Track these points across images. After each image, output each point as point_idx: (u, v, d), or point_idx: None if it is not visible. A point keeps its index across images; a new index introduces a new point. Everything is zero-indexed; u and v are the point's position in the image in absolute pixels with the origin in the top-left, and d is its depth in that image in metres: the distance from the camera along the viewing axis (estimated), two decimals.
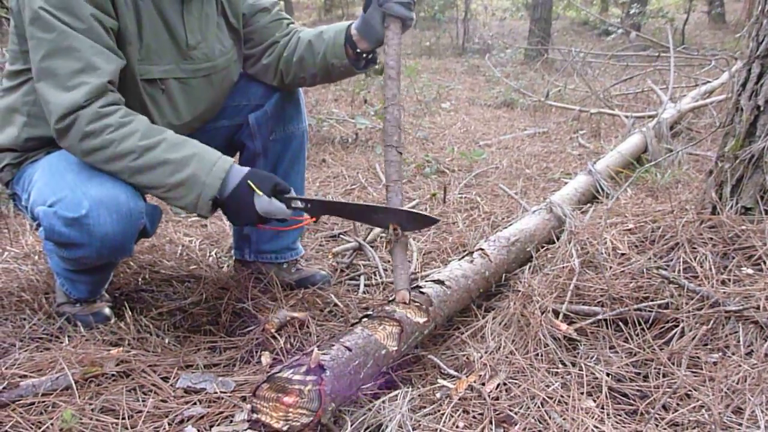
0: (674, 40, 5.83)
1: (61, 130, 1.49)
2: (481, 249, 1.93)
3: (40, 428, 1.31)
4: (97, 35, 1.50)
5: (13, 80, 1.67)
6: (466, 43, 12.23)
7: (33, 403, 1.39)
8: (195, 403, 1.43)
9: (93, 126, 1.47)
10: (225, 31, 1.84)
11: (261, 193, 1.56)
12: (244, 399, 1.44)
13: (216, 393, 1.46)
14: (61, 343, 1.69)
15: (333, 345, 1.33)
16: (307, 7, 20.46)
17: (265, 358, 1.66)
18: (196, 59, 1.75)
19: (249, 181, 1.57)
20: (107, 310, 1.85)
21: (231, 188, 1.57)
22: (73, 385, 1.43)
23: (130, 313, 1.81)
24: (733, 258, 1.80)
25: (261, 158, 2.02)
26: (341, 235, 2.61)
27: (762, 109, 1.93)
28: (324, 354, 1.27)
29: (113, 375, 1.52)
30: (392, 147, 1.71)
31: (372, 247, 2.42)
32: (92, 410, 1.37)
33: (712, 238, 1.88)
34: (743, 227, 1.88)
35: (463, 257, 1.90)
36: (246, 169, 1.61)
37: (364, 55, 1.86)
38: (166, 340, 1.76)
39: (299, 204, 1.63)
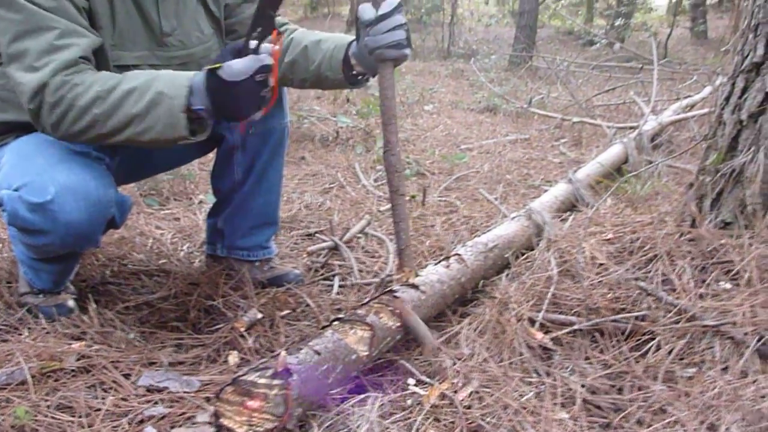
0: (658, 54, 5.87)
1: (33, 111, 1.43)
2: (458, 254, 1.90)
3: None
4: (69, 14, 1.44)
5: None
6: (451, 46, 12.25)
7: None
8: (156, 403, 1.38)
9: (57, 95, 1.39)
10: (204, 18, 1.78)
11: (220, 65, 1.41)
12: (208, 400, 1.38)
13: (179, 392, 1.40)
14: (20, 335, 1.63)
15: (301, 348, 1.28)
16: (293, 3, 20.36)
17: (233, 358, 1.61)
18: (171, 46, 1.69)
19: (208, 70, 1.43)
20: (71, 303, 1.79)
21: (199, 87, 1.43)
22: (29, 379, 1.37)
23: (94, 305, 1.75)
24: (711, 272, 1.79)
25: (239, 151, 1.97)
26: (317, 234, 2.56)
27: (745, 123, 1.92)
28: (291, 357, 1.23)
29: (72, 370, 1.47)
30: (396, 193, 1.69)
31: (348, 247, 2.38)
32: (48, 407, 1.32)
33: (690, 251, 1.87)
34: (722, 241, 1.87)
35: (439, 262, 1.87)
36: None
37: (359, 77, 1.79)
38: (131, 336, 1.70)
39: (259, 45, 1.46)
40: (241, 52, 1.45)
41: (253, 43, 1.45)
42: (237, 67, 1.40)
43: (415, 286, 1.67)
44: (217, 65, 1.41)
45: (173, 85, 1.43)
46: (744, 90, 1.94)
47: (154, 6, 1.63)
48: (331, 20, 13.55)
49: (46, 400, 1.33)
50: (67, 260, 1.74)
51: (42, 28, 1.40)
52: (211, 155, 2.09)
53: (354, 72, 1.75)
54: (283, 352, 1.23)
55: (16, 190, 1.46)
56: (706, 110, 4.77)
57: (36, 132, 1.57)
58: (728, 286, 1.73)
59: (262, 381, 1.19)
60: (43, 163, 1.50)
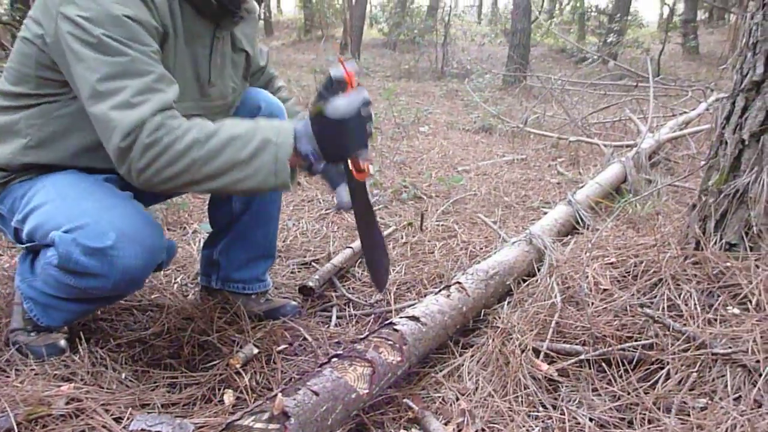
0: (652, 70, 5.87)
1: (123, 150, 1.37)
2: (459, 282, 1.86)
3: None
4: (160, 62, 1.44)
5: (11, 101, 1.58)
6: (445, 67, 12.30)
7: None
8: None
9: (155, 135, 1.35)
10: (237, 67, 1.82)
11: (324, 107, 1.39)
12: None
13: None
14: (8, 377, 1.57)
15: (299, 389, 1.23)
16: (287, 27, 20.49)
17: (228, 397, 1.56)
18: (212, 97, 1.72)
19: (310, 112, 1.42)
20: (63, 342, 1.73)
21: (305, 131, 1.42)
22: (15, 427, 1.30)
23: (85, 344, 1.70)
24: (719, 296, 1.74)
25: None
26: (313, 263, 2.51)
27: (747, 143, 1.89)
28: (288, 399, 1.18)
29: (62, 415, 1.40)
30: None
31: (344, 275, 2.33)
32: None
33: (696, 275, 1.83)
34: (728, 264, 1.82)
35: (439, 291, 1.82)
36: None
37: None
38: (123, 375, 1.64)
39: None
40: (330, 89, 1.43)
41: (334, 70, 1.44)
42: (342, 105, 1.38)
43: (415, 318, 1.62)
44: (318, 107, 1.39)
45: (279, 131, 1.41)
46: (744, 109, 1.91)
47: (207, 61, 1.67)
48: (324, 42, 13.61)
49: None
50: (98, 302, 1.71)
51: (140, 71, 1.38)
52: None
53: None
54: (280, 395, 1.18)
55: (67, 232, 1.44)
56: (703, 127, 4.76)
57: (62, 171, 1.58)
58: (737, 311, 1.68)
59: (258, 426, 1.14)
60: (94, 206, 1.48)
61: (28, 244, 1.59)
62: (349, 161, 1.47)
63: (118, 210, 1.49)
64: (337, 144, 1.42)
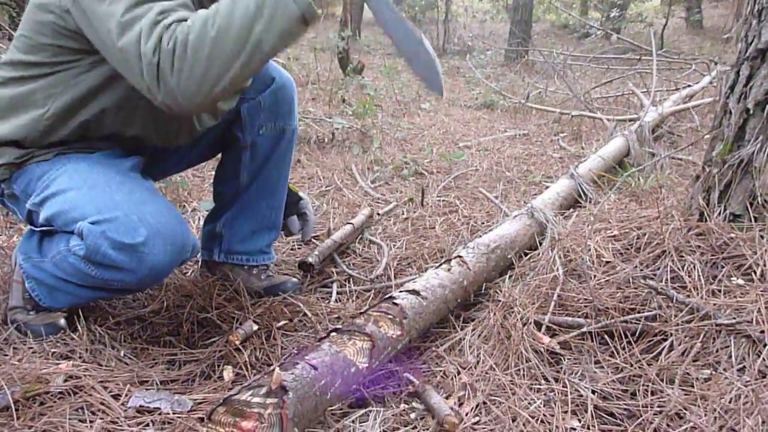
0: (655, 44, 5.80)
1: (152, 68, 1.31)
2: (459, 256, 1.83)
3: None
4: None
5: (23, 71, 1.55)
6: (446, 44, 12.19)
7: None
8: (147, 425, 1.31)
9: (170, 40, 1.30)
10: None
11: None
12: (201, 420, 1.31)
13: (170, 414, 1.34)
14: (6, 356, 1.56)
15: (297, 363, 1.22)
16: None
17: (227, 373, 1.55)
18: None
19: None
20: (62, 321, 1.71)
21: None
22: (12, 405, 1.29)
23: (84, 322, 1.68)
24: (723, 267, 1.72)
25: (248, 151, 1.97)
26: (313, 239, 2.49)
27: (752, 112, 1.85)
28: (287, 374, 1.16)
29: (59, 393, 1.39)
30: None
31: (345, 251, 2.31)
32: None
33: (699, 246, 1.80)
34: (732, 235, 1.80)
35: (440, 265, 1.80)
36: None
37: None
38: (122, 353, 1.63)
39: None
40: None
41: None
42: None
43: (416, 292, 1.61)
44: None
45: None
46: (749, 78, 1.87)
47: None
48: (324, 20, 13.48)
49: (31, 426, 1.26)
50: (114, 293, 1.71)
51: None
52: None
53: None
54: (278, 369, 1.16)
55: (95, 223, 1.42)
56: (706, 100, 4.71)
57: (82, 155, 1.58)
58: (741, 282, 1.66)
59: (256, 400, 1.12)
60: (125, 199, 1.47)
61: (44, 228, 1.57)
62: None
63: (149, 206, 1.48)
64: None
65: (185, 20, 1.34)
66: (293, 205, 2.12)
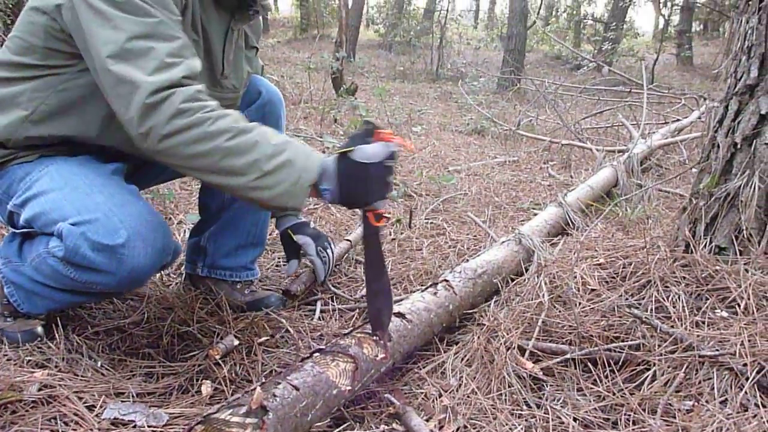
0: (646, 77, 5.88)
1: (150, 106, 1.29)
2: (446, 280, 1.83)
3: None
4: (183, 32, 1.43)
5: (12, 72, 1.54)
6: (439, 69, 12.30)
7: None
8: None
9: (188, 104, 1.30)
10: (251, 64, 1.85)
11: (353, 148, 1.37)
12: None
13: (145, 427, 1.31)
14: None
15: (278, 383, 1.20)
16: (283, 26, 20.45)
17: (206, 388, 1.52)
18: (225, 88, 1.72)
19: (339, 154, 1.39)
20: (39, 329, 1.68)
21: (330, 169, 1.39)
22: None
23: (62, 331, 1.65)
24: (707, 299, 1.72)
25: None
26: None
27: (739, 146, 1.87)
28: (268, 393, 1.14)
29: (33, 401, 1.36)
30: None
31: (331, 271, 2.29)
32: None
33: (685, 277, 1.81)
34: (717, 267, 1.81)
35: (426, 289, 1.79)
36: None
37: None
38: (99, 363, 1.61)
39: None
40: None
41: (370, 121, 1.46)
42: (370, 151, 1.37)
43: (401, 315, 1.59)
44: (349, 149, 1.37)
45: (308, 157, 1.39)
46: (738, 112, 1.89)
47: (221, 50, 1.67)
48: (319, 41, 13.58)
49: None
50: (93, 297, 1.68)
51: (168, 36, 1.36)
52: None
53: None
54: (259, 389, 1.14)
55: (75, 225, 1.40)
56: (694, 134, 4.77)
57: (65, 158, 1.56)
58: (725, 314, 1.66)
59: (236, 419, 1.10)
60: (106, 201, 1.44)
61: (25, 230, 1.55)
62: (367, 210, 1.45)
63: (130, 208, 1.45)
64: (358, 189, 1.39)
65: (196, 73, 1.37)
66: (293, 252, 2.00)
